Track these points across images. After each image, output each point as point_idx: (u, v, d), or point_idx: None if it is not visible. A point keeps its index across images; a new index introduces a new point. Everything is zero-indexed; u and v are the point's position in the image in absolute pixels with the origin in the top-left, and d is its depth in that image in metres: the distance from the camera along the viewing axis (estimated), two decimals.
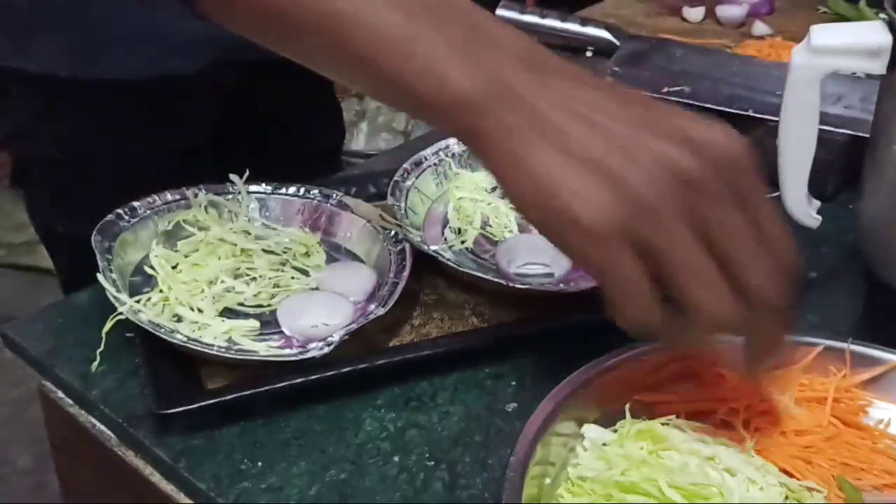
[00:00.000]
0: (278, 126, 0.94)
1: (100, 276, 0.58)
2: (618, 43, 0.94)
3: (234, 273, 0.65)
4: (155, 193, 0.68)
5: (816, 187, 0.81)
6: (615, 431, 0.52)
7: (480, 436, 0.54)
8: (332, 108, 1.06)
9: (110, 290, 0.57)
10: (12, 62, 0.77)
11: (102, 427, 0.56)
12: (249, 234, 0.68)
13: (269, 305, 0.63)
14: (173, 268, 0.63)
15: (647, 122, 0.44)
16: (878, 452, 0.51)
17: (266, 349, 0.58)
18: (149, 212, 0.67)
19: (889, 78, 0.55)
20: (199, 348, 0.56)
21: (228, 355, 0.56)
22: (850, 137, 0.78)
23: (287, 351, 0.56)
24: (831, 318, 0.65)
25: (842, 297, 0.68)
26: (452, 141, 0.79)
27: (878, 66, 0.55)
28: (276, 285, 0.65)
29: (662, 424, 0.51)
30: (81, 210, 0.64)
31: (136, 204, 0.66)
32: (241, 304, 0.63)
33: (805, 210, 0.62)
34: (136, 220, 0.65)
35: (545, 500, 0.47)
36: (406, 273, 0.62)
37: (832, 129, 0.80)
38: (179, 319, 0.60)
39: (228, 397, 0.53)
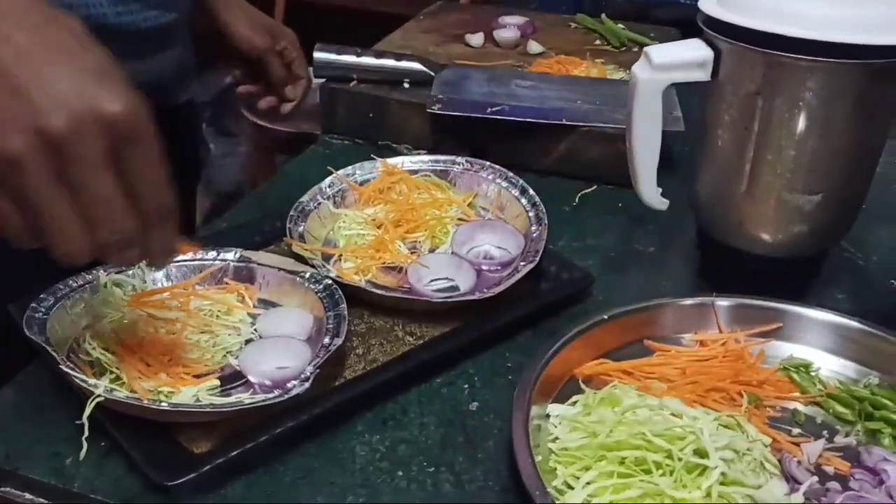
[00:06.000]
0: None
1: (63, 368, 0.57)
2: (432, 73, 1.03)
3: (169, 343, 0.66)
4: (58, 282, 0.67)
5: (624, 177, 0.97)
6: (573, 405, 0.61)
7: (460, 436, 0.61)
8: (194, 149, 1.05)
9: (79, 376, 0.57)
10: None
11: None
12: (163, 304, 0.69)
13: (217, 364, 0.65)
14: (108, 350, 0.63)
15: (39, 87, 0.47)
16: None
17: (248, 399, 0.60)
18: (59, 300, 0.65)
19: (711, 83, 0.69)
20: (188, 410, 0.57)
21: (221, 409, 0.57)
22: None
23: (271, 395, 0.59)
24: (682, 279, 0.79)
25: (681, 262, 0.82)
26: (325, 184, 0.84)
27: (704, 75, 0.69)
28: (215, 345, 0.66)
29: (616, 389, 0.61)
30: None
31: (43, 295, 0.65)
32: (190, 370, 0.64)
33: (656, 198, 0.75)
34: (52, 310, 0.64)
35: (546, 476, 0.55)
36: (343, 305, 0.67)
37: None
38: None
39: (236, 453, 0.55)
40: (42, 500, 0.57)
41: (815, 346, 0.68)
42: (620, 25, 1.31)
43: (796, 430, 0.62)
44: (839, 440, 0.61)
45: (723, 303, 0.70)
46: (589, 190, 0.94)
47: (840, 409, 0.63)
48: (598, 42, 1.26)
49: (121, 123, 0.49)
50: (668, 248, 0.84)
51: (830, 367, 0.67)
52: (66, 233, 0.50)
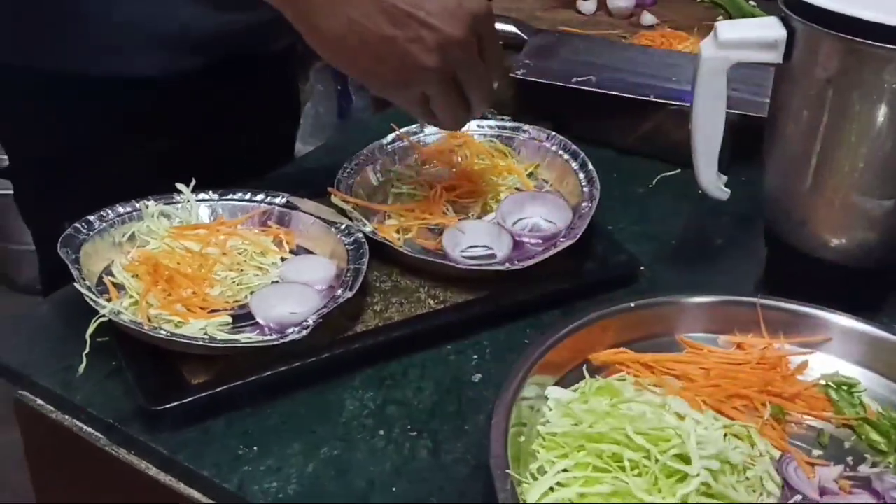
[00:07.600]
0: (244, 114, 0.93)
1: (77, 285, 0.60)
2: (526, 37, 1.00)
3: (196, 276, 0.68)
4: (107, 206, 0.70)
5: None
6: (575, 391, 0.59)
7: (453, 406, 0.60)
8: (291, 96, 1.07)
9: (89, 295, 0.59)
10: (37, 62, 0.79)
11: (90, 429, 0.58)
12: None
13: (237, 302, 0.66)
14: (136, 276, 0.66)
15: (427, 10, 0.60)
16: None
17: (244, 339, 0.61)
18: (104, 224, 0.68)
19: (784, 67, 0.63)
20: (184, 341, 0.59)
21: (213, 345, 0.59)
22: (738, 117, 0.86)
23: (267, 337, 0.60)
24: (740, 277, 0.74)
25: (745, 259, 0.77)
26: (386, 139, 0.83)
27: (776, 57, 0.63)
28: (239, 283, 0.68)
29: (618, 381, 0.57)
30: (62, 211, 0.67)
31: (91, 218, 0.68)
32: (207, 304, 0.66)
33: (716, 185, 0.70)
34: (93, 232, 0.67)
35: (523, 457, 0.53)
36: (365, 259, 0.67)
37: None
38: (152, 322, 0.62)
39: (221, 388, 0.57)
40: (50, 406, 0.60)
41: (865, 365, 0.62)
42: (752, 2, 1.23)
43: (817, 452, 0.57)
44: (863, 469, 0.55)
45: (769, 306, 0.64)
46: (670, 173, 0.89)
47: (874, 436, 0.57)
48: (720, 18, 1.18)
49: (484, 17, 0.63)
50: (736, 242, 0.79)
51: (878, 390, 0.61)
52: (457, 114, 0.67)
